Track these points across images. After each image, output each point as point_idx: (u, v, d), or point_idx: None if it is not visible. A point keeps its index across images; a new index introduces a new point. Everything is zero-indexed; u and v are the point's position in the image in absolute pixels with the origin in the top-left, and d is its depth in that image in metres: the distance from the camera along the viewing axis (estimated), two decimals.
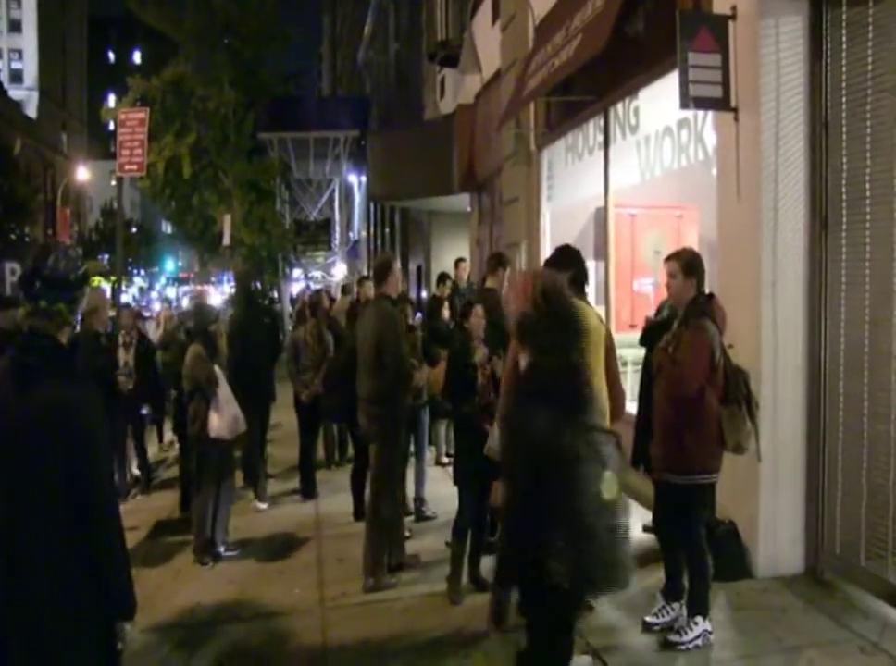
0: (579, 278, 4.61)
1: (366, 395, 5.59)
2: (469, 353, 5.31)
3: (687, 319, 4.39)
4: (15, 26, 64.30)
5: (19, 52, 64.41)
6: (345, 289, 14.31)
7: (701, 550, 4.40)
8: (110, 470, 2.81)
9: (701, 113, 6.11)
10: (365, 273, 23.30)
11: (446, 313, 8.26)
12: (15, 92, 56.86)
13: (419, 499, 7.09)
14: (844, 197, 4.94)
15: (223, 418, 6.05)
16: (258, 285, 31.20)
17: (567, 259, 4.68)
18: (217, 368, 6.18)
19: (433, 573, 5.65)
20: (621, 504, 3.13)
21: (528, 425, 3.07)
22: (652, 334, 5.27)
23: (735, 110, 5.26)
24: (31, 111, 59.71)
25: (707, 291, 4.56)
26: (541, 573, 3.00)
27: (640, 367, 5.92)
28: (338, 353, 7.60)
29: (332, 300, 14.78)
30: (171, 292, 61.44)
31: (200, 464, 6.20)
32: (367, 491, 5.84)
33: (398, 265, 5.90)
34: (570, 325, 3.27)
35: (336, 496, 7.65)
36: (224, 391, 6.14)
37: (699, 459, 4.30)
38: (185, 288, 58.90)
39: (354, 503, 7.00)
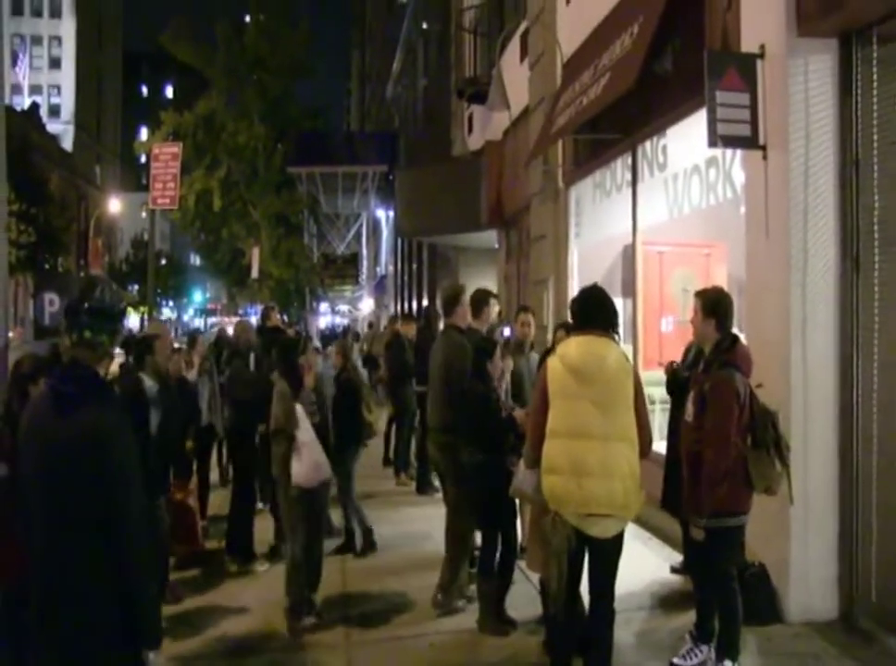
0: (601, 316, 4.45)
1: (436, 425, 5.65)
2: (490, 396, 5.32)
3: (710, 367, 4.38)
4: (55, 63, 66.34)
5: (58, 87, 66.29)
6: (371, 325, 13.91)
7: (731, 592, 4.34)
8: (143, 502, 2.84)
9: (729, 151, 6.13)
10: (391, 307, 23.18)
11: None
12: (52, 126, 58.28)
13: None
14: (876, 236, 4.91)
15: (302, 463, 5.48)
16: (285, 318, 31.48)
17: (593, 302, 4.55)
18: (299, 407, 5.58)
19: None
20: None
21: None
22: (679, 383, 5.28)
23: (764, 148, 5.27)
24: (68, 144, 61.11)
25: (735, 332, 4.55)
26: None
27: (668, 406, 5.89)
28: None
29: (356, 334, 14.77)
30: (198, 323, 61.99)
31: (284, 514, 5.68)
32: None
33: (467, 296, 5.92)
34: None
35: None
36: (306, 432, 5.56)
37: (727, 501, 4.26)
38: (213, 319, 59.53)
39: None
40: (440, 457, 5.71)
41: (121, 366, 7.61)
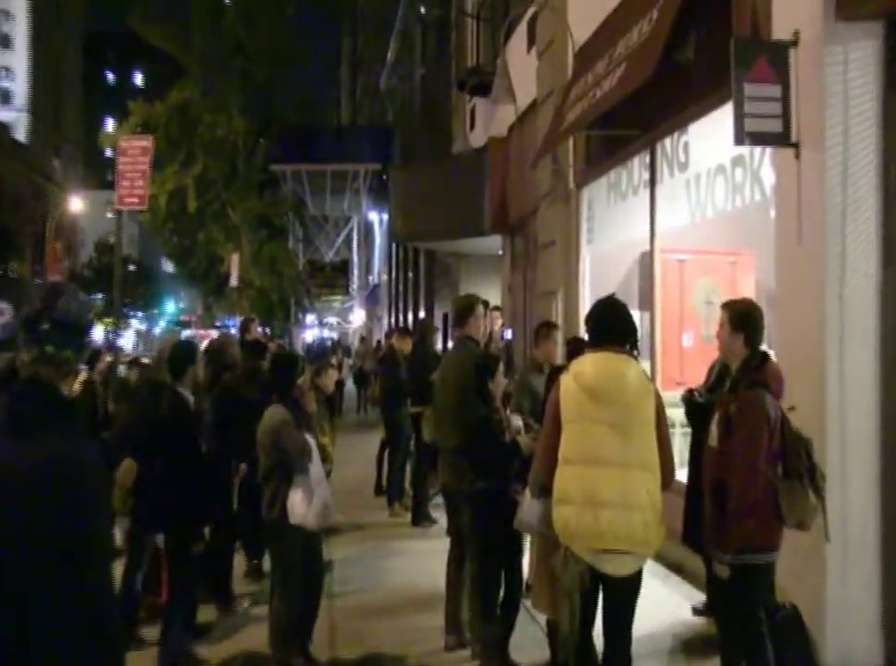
0: (619, 330, 4.49)
1: (451, 446, 5.62)
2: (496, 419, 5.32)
3: (737, 386, 4.38)
4: (5, 42, 65.81)
5: (7, 69, 65.89)
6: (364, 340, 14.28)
7: (759, 637, 4.32)
8: (110, 542, 2.77)
9: (758, 149, 6.16)
10: (384, 319, 23.11)
11: None
12: (3, 114, 58.24)
13: None
14: None
15: (311, 502, 5.10)
16: (267, 331, 31.45)
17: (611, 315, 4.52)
18: (309, 438, 5.29)
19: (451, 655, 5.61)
20: None
21: None
22: (696, 407, 5.30)
23: (796, 146, 5.30)
24: (21, 134, 61.06)
25: (764, 349, 4.55)
26: None
27: (689, 430, 5.89)
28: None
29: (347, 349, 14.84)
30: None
31: (280, 559, 5.34)
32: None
33: (481, 307, 5.97)
34: None
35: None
36: (316, 469, 5.25)
37: (755, 536, 4.24)
38: (187, 331, 59.46)
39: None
40: (455, 481, 5.61)
41: (84, 383, 7.60)
